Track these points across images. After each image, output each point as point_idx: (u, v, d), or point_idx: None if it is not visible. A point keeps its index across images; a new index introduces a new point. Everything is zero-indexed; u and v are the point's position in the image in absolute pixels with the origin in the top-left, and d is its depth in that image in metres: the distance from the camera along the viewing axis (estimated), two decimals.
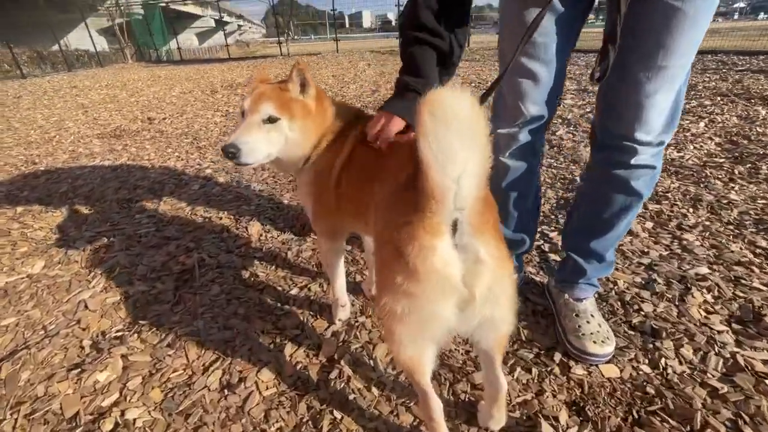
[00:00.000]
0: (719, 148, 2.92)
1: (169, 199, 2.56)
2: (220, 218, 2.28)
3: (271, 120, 1.10)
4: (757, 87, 4.60)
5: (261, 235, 2.08)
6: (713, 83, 5.01)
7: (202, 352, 1.36)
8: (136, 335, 1.44)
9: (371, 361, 1.30)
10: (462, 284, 0.72)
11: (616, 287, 1.55)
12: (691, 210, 2.09)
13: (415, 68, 1.11)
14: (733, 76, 5.33)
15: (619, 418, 1.08)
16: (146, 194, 2.65)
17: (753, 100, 4.05)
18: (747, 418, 1.05)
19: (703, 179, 2.43)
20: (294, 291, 1.64)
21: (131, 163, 3.34)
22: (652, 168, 1.16)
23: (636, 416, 1.08)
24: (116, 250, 1.97)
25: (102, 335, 1.45)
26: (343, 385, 1.22)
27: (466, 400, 1.16)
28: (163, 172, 3.08)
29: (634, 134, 1.09)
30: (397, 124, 1.08)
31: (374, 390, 1.20)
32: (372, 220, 1.03)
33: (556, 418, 1.09)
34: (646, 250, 1.77)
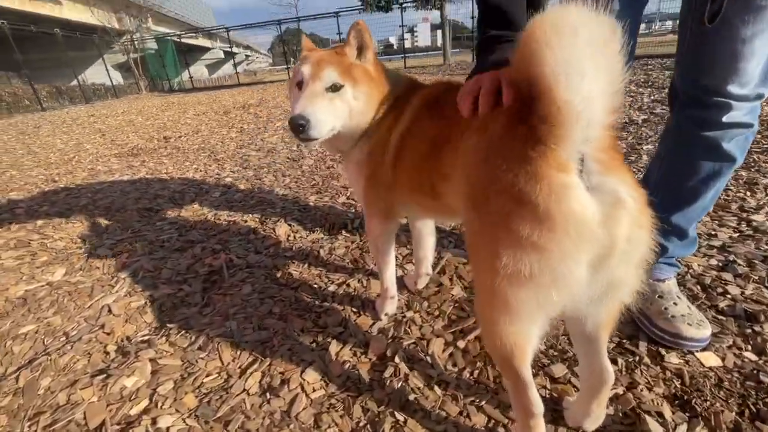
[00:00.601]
0: (764, 134, 2.76)
1: (190, 206, 2.48)
2: (245, 221, 2.18)
3: (335, 88, 1.00)
4: None
5: (289, 236, 1.97)
6: None
7: (238, 353, 1.22)
8: (164, 338, 1.31)
9: (428, 358, 1.15)
10: (602, 232, 0.58)
11: (691, 270, 1.39)
12: (749, 194, 1.93)
13: (501, 18, 0.88)
14: None
15: (734, 413, 0.91)
16: (167, 203, 2.57)
17: None
18: None
19: (752, 164, 2.27)
20: (332, 288, 1.51)
21: (150, 176, 3.30)
22: (748, 127, 0.99)
23: (754, 410, 0.91)
24: (139, 255, 1.87)
25: (128, 340, 1.33)
26: (400, 384, 1.07)
27: (546, 397, 1.00)
28: (182, 182, 3.02)
29: (727, 87, 0.93)
30: (491, 78, 0.83)
31: (437, 389, 1.05)
32: (447, 190, 0.92)
33: (660, 414, 0.92)
34: (713, 232, 1.61)
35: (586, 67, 0.54)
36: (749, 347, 1.07)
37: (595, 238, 0.58)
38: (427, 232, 1.40)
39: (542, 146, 0.59)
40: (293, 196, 2.51)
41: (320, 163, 3.22)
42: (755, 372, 1.00)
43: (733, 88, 0.93)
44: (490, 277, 0.66)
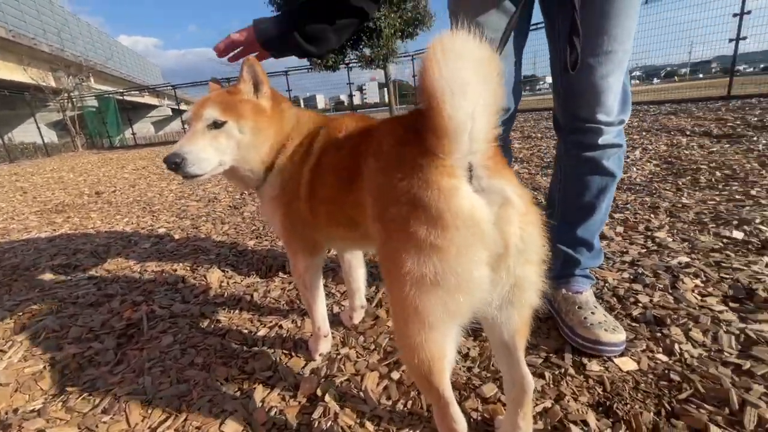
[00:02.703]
0: (658, 168, 3.15)
1: (114, 259, 2.29)
2: (175, 270, 2.04)
3: (217, 124, 1.00)
4: (672, 123, 5.21)
5: (222, 282, 1.87)
6: (636, 123, 5.62)
7: (149, 412, 1.09)
8: (60, 404, 1.14)
9: (361, 393, 1.09)
10: (494, 230, 0.62)
11: (607, 284, 1.48)
12: (652, 215, 2.15)
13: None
14: (650, 118, 6.03)
15: (652, 413, 0.94)
16: (88, 258, 2.36)
17: (672, 132, 4.54)
18: None
19: (654, 191, 2.56)
20: (262, 331, 1.42)
21: (73, 232, 3.04)
22: (618, 146, 1.18)
23: (669, 408, 0.95)
24: (44, 315, 1.66)
25: (14, 412, 1.14)
26: (329, 423, 0.99)
27: (479, 419, 0.98)
28: (109, 236, 2.80)
29: (596, 116, 1.13)
30: (247, 31, 1.10)
31: (369, 425, 0.99)
32: (362, 218, 0.93)
33: (585, 422, 0.93)
34: (624, 250, 1.75)
35: (469, 87, 0.60)
36: (660, 349, 1.14)
37: (488, 235, 0.61)
38: (356, 263, 1.39)
39: (432, 155, 0.64)
40: (231, 243, 2.42)
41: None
42: (666, 372, 1.05)
43: (601, 117, 1.12)
44: (399, 286, 0.66)
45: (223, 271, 1.98)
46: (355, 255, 1.39)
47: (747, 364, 1.04)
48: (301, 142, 1.09)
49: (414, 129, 0.71)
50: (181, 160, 0.95)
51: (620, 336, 1.11)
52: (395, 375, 1.14)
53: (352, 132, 1.00)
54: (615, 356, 1.11)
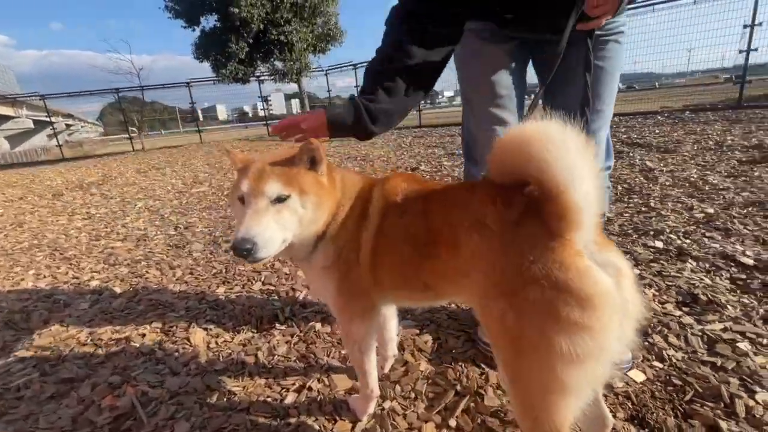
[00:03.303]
0: None
1: (46, 329, 1.88)
2: (142, 335, 1.76)
3: (280, 199, 0.94)
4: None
5: (209, 343, 1.67)
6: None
7: None
8: None
9: None
10: (620, 301, 0.70)
11: None
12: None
13: (369, 89, 1.14)
14: None
15: (672, 417, 1.13)
16: (3, 332, 1.89)
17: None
18: (749, 378, 1.22)
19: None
20: (290, 398, 1.32)
21: None
22: (608, 188, 1.41)
23: (682, 410, 1.16)
24: None
25: None
26: None
27: None
28: (20, 298, 2.27)
29: None
30: (316, 118, 1.12)
31: None
32: (442, 282, 0.96)
33: None
34: None
35: (584, 171, 0.69)
36: (653, 357, 1.37)
37: (618, 306, 0.70)
38: (390, 315, 1.38)
39: (559, 238, 0.72)
40: (195, 292, 2.16)
41: (213, 245, 2.89)
42: (669, 377, 1.27)
43: None
44: (542, 363, 0.72)
45: (204, 329, 1.77)
46: (390, 307, 1.38)
47: (719, 361, 1.31)
48: (352, 206, 1.06)
49: (522, 208, 0.78)
50: (254, 246, 0.87)
51: (629, 353, 1.31)
52: (452, 422, 1.17)
53: (415, 196, 1.01)
54: (627, 371, 1.30)
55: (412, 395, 1.30)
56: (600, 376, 0.73)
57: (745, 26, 7.70)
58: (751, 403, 1.14)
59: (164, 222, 3.75)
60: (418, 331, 1.61)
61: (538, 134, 0.73)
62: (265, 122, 16.73)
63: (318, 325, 1.71)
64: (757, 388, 1.19)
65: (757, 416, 1.10)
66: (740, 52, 7.89)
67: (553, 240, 0.72)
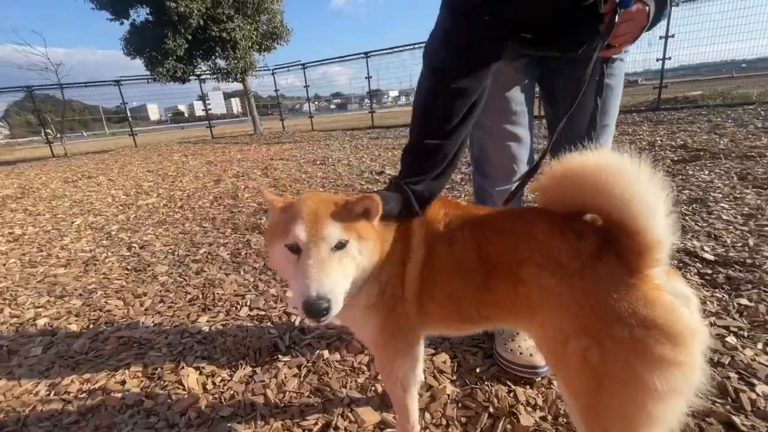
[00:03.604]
0: None
1: None
2: (121, 381, 1.53)
3: (340, 245, 0.85)
4: None
5: (206, 384, 1.50)
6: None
7: None
8: None
9: None
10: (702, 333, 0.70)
11: None
12: None
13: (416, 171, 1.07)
14: None
15: (691, 417, 1.20)
16: None
17: None
18: (745, 372, 1.34)
19: None
20: None
21: None
22: None
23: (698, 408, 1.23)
24: None
25: None
26: None
27: None
28: None
29: None
30: None
31: None
32: (501, 313, 0.93)
33: None
34: None
35: (659, 205, 0.70)
36: None
37: (704, 339, 0.71)
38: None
39: (639, 273, 0.72)
40: (173, 324, 1.94)
41: (180, 266, 2.63)
42: None
43: None
44: (630, 398, 0.70)
45: (195, 368, 1.58)
46: None
47: (715, 357, 1.42)
48: (394, 240, 0.99)
49: (597, 243, 0.77)
50: (328, 302, 0.78)
51: None
52: None
53: (461, 223, 0.97)
54: None
55: (444, 422, 1.26)
56: (684, 409, 0.74)
57: (660, 37, 8.74)
58: (753, 396, 1.25)
59: (113, 241, 3.35)
60: (433, 351, 1.57)
61: (617, 169, 0.72)
62: (207, 123, 15.75)
63: (326, 353, 1.61)
64: (755, 381, 1.30)
65: (762, 408, 1.20)
66: (657, 60, 8.95)
67: (633, 276, 0.72)
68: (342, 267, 0.84)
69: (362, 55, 13.08)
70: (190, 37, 12.00)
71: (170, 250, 2.99)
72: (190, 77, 13.36)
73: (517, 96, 1.37)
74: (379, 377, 1.26)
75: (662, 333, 0.68)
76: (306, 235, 0.83)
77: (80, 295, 2.35)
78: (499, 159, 1.40)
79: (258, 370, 1.55)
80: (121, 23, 12.56)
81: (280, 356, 1.62)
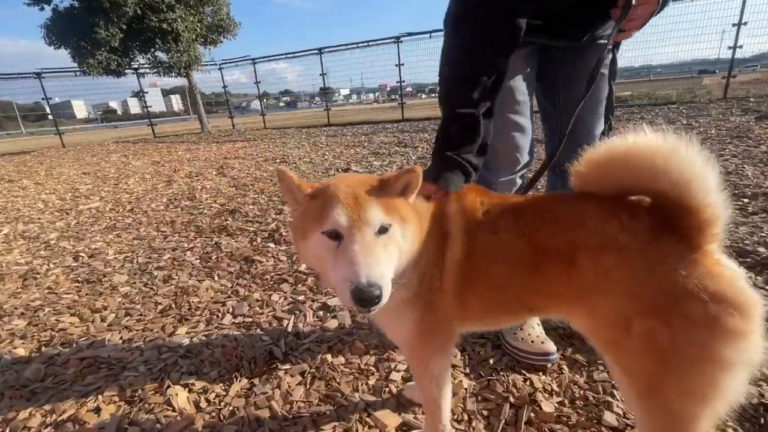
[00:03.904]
0: None
1: None
2: (96, 410, 1.32)
3: (383, 230, 0.79)
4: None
5: (198, 403, 1.34)
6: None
7: None
8: None
9: None
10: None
11: None
12: None
13: (463, 142, 1.07)
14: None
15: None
16: None
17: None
18: None
19: None
20: None
21: None
22: None
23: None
24: None
25: None
26: None
27: None
28: None
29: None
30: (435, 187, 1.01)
31: None
32: (549, 303, 0.91)
33: None
34: None
35: (715, 183, 0.72)
36: None
37: (760, 305, 0.73)
38: None
39: (700, 249, 0.72)
40: (147, 339, 1.73)
41: (143, 275, 2.37)
42: None
43: None
44: (701, 374, 0.71)
45: (183, 385, 1.42)
46: None
47: None
48: (429, 228, 0.93)
49: (653, 223, 0.77)
50: (380, 289, 0.70)
51: None
52: None
53: (502, 211, 0.94)
54: None
55: (465, 417, 1.22)
56: (746, 379, 0.76)
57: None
58: None
59: (54, 251, 2.96)
60: None
61: (673, 151, 0.73)
62: (149, 121, 14.57)
63: (329, 357, 1.51)
64: None
65: None
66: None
67: (694, 252, 0.73)
68: (387, 253, 0.78)
69: (315, 51, 12.79)
70: (125, 27, 10.98)
71: (127, 258, 2.69)
72: (126, 71, 12.25)
73: (520, 85, 1.36)
74: (412, 375, 1.19)
75: (732, 306, 0.69)
76: (347, 219, 0.76)
77: (22, 314, 2.03)
78: (503, 149, 1.39)
79: (256, 381, 1.42)
80: (41, 9, 11.19)
81: (278, 364, 1.49)
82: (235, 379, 1.43)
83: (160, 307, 1.99)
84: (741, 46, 8.55)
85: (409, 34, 11.77)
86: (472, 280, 0.92)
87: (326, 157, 6.28)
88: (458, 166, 1.03)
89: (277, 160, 6.34)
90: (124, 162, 7.67)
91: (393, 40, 11.84)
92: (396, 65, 11.61)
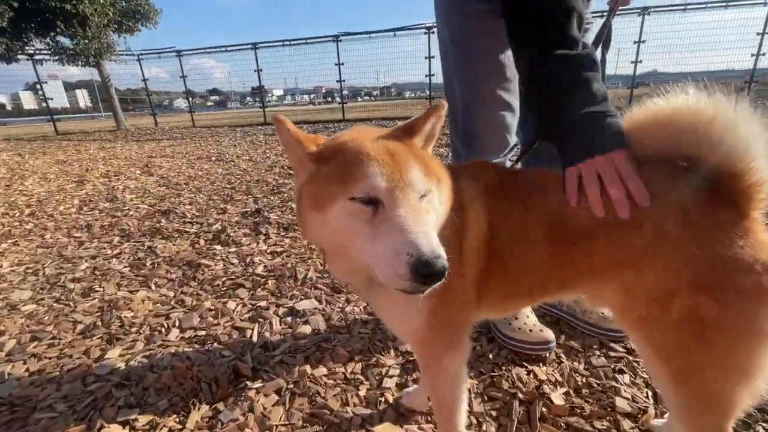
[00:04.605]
0: None
1: None
2: None
3: (424, 195, 0.67)
4: None
5: None
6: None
7: None
8: None
9: None
10: None
11: None
12: None
13: (593, 93, 0.84)
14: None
15: None
16: None
17: None
18: None
19: None
20: None
21: None
22: None
23: None
24: None
25: None
26: None
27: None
28: None
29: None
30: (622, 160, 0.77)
31: None
32: (586, 283, 0.82)
33: None
34: None
35: (764, 143, 0.68)
36: None
37: None
38: None
39: (748, 216, 0.69)
40: (65, 368, 1.36)
41: (53, 289, 1.91)
42: None
43: None
44: (749, 348, 0.67)
45: (122, 423, 1.11)
46: None
47: None
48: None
49: (707, 187, 0.71)
50: (444, 262, 0.57)
51: None
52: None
53: (527, 188, 0.85)
54: None
55: (474, 420, 1.10)
56: None
57: None
58: None
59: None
60: None
61: (719, 114, 0.67)
62: (50, 117, 12.60)
63: (307, 368, 1.30)
64: None
65: None
66: None
67: (744, 219, 0.68)
68: (432, 223, 0.66)
69: (249, 46, 12.08)
70: (16, 4, 9.37)
71: (29, 270, 2.17)
72: (19, 56, 10.48)
73: (510, 61, 1.29)
74: (422, 377, 1.02)
75: None
76: (387, 179, 0.63)
77: None
78: (493, 130, 1.30)
79: (221, 406, 1.16)
80: None
81: (247, 383, 1.24)
82: (192, 407, 1.15)
83: (80, 327, 1.60)
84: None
85: (347, 34, 11.66)
86: (499, 262, 0.81)
87: (267, 155, 5.88)
88: (608, 117, 0.80)
89: (212, 158, 5.80)
90: (18, 162, 6.49)
91: (332, 38, 11.63)
92: (336, 64, 11.40)
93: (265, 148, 6.62)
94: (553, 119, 0.88)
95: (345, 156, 0.66)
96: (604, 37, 1.14)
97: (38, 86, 11.96)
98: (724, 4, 10.04)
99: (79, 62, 11.28)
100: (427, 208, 0.66)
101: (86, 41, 10.57)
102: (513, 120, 1.34)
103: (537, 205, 0.81)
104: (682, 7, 10.44)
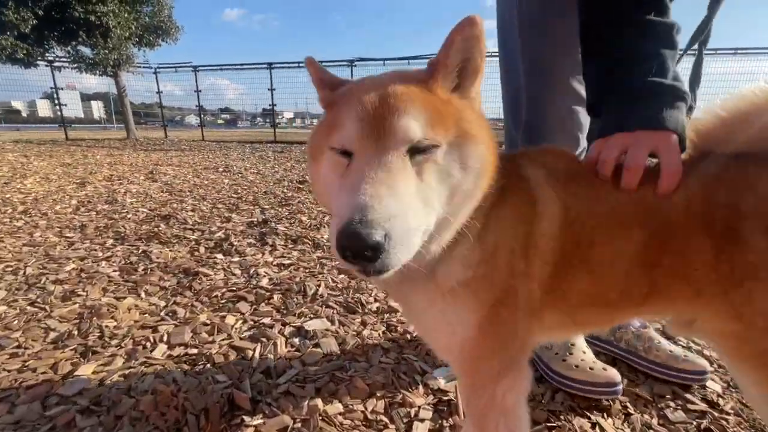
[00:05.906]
0: None
1: None
2: None
3: (421, 150, 0.53)
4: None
5: None
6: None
7: None
8: None
9: None
10: None
11: None
12: None
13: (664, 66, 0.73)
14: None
15: None
16: None
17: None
18: None
19: None
20: None
21: None
22: None
23: None
24: None
25: None
26: None
27: None
28: None
29: None
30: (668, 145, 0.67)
31: None
32: (681, 290, 0.64)
33: None
34: None
35: None
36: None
37: None
38: None
39: None
40: (27, 383, 1.12)
41: (31, 290, 1.69)
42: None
43: None
44: None
45: None
46: None
47: None
48: (502, 188, 0.63)
49: None
50: (383, 238, 0.44)
51: (704, 362, 1.20)
52: None
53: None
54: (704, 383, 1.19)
55: None
56: None
57: None
58: None
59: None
60: None
61: None
62: (61, 122, 12.66)
63: (318, 402, 1.06)
64: None
65: None
66: None
67: None
68: (425, 185, 0.51)
69: (264, 66, 12.30)
70: (41, 13, 9.58)
71: (8, 268, 1.96)
72: (39, 62, 10.63)
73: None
74: (467, 416, 0.77)
75: None
76: (359, 128, 0.52)
77: None
78: (563, 125, 1.12)
79: None
80: None
81: (244, 418, 1.00)
82: None
83: (52, 335, 1.37)
84: None
85: (362, 60, 11.87)
86: (576, 254, 0.64)
87: (276, 169, 5.76)
88: (677, 97, 0.70)
89: (219, 169, 5.67)
90: (22, 162, 6.37)
91: (347, 63, 11.82)
92: None
93: (273, 163, 6.51)
94: (609, 85, 0.77)
95: (341, 101, 0.58)
96: (704, 35, 0.98)
97: (54, 91, 12.05)
98: None
99: (97, 71, 11.44)
100: (421, 168, 0.51)
101: (106, 51, 10.74)
102: (586, 118, 1.16)
103: (623, 197, 0.65)
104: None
